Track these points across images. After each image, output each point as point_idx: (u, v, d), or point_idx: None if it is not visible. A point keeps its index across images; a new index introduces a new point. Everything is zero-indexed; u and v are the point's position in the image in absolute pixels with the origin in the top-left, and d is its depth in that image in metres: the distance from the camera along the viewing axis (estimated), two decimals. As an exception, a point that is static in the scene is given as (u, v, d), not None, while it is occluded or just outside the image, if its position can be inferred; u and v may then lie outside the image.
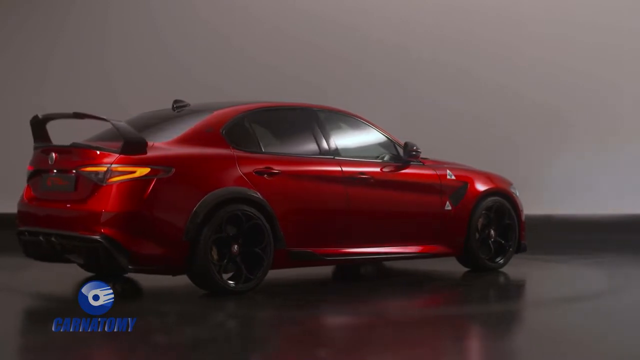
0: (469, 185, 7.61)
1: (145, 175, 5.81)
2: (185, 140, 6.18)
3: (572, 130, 11.55)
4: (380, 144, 7.37)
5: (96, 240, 5.75)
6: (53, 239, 5.97)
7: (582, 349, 4.68)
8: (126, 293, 6.50)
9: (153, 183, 5.82)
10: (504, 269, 7.79)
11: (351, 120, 7.32)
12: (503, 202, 7.78)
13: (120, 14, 12.54)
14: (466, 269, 7.80)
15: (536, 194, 11.28)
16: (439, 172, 7.51)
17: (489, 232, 7.67)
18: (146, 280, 6.81)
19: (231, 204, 6.04)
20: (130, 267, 5.81)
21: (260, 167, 6.32)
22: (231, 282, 6.05)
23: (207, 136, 6.27)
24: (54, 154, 6.17)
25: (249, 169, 6.25)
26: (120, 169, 5.82)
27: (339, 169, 6.81)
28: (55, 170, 6.21)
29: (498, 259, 7.73)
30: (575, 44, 11.62)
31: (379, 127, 7.43)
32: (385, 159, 7.27)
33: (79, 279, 6.61)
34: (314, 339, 4.95)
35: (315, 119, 6.96)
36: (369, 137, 7.37)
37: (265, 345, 4.77)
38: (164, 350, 4.51)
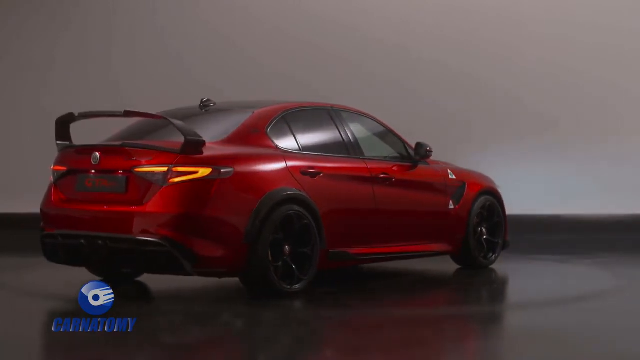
0: (466, 184, 7.82)
1: (208, 176, 5.69)
2: (234, 139, 6.09)
3: (574, 130, 11.53)
4: (392, 144, 7.51)
5: (158, 243, 5.58)
6: (100, 242, 5.76)
7: (588, 348, 4.68)
8: (132, 294, 6.48)
9: (216, 184, 5.71)
10: (509, 269, 7.93)
11: (366, 120, 7.42)
12: (494, 200, 8.06)
13: (122, 15, 12.54)
14: (458, 267, 7.95)
15: (539, 194, 11.29)
16: (442, 172, 7.71)
17: (481, 230, 7.89)
18: (152, 282, 6.83)
19: (285, 204, 5.99)
20: (193, 270, 5.67)
21: (304, 167, 6.33)
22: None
23: (255, 136, 6.22)
24: (98, 154, 5.92)
25: (295, 168, 6.24)
26: (182, 169, 5.67)
27: (366, 168, 6.91)
28: (94, 171, 5.97)
29: (490, 256, 7.97)
30: (575, 45, 11.59)
31: (389, 126, 7.55)
32: (395, 158, 7.38)
33: (81, 280, 6.60)
34: (320, 339, 4.95)
35: (339, 119, 7.03)
36: (382, 136, 7.51)
37: (270, 345, 4.77)
38: (170, 350, 4.52)
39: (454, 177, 7.77)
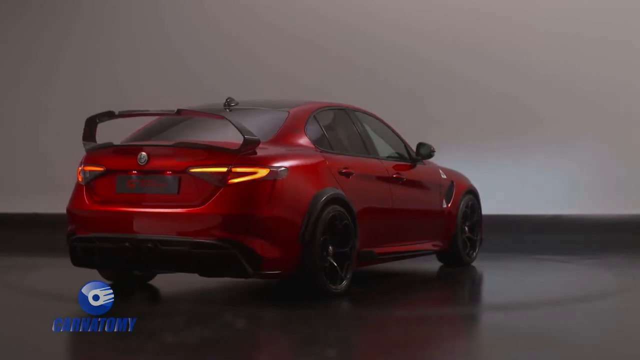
0: (454, 184, 7.97)
1: (266, 176, 5.63)
2: (279, 139, 6.03)
3: (575, 128, 11.51)
4: (394, 143, 7.58)
5: (220, 246, 5.48)
6: (149, 245, 5.59)
7: (592, 349, 4.66)
8: (133, 295, 6.47)
9: (274, 184, 5.65)
10: (510, 268, 8.14)
11: (373, 119, 7.46)
12: (474, 199, 8.27)
13: (126, 16, 12.55)
14: (439, 265, 8.12)
15: (544, 194, 11.27)
16: (436, 172, 7.90)
17: (464, 228, 8.09)
18: (157, 281, 6.82)
19: (331, 204, 5.95)
20: (253, 272, 5.56)
21: (340, 166, 6.32)
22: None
23: (296, 135, 6.18)
24: (145, 154, 5.72)
25: (334, 168, 6.24)
26: (241, 169, 5.60)
27: (384, 168, 6.98)
28: (136, 171, 5.77)
29: (471, 253, 8.20)
30: (578, 44, 11.54)
31: (392, 127, 7.63)
32: (398, 158, 7.44)
33: (82, 281, 6.58)
34: (320, 339, 4.95)
35: (355, 119, 7.06)
36: (386, 136, 7.56)
37: (273, 345, 4.77)
38: (170, 350, 4.51)
39: (445, 176, 7.95)
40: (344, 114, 7.01)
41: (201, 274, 5.87)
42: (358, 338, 5.05)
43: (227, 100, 6.49)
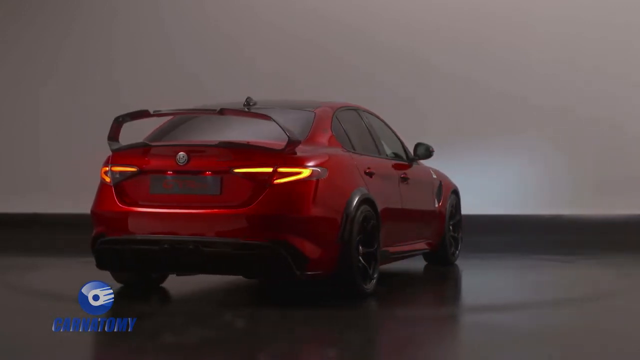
0: (442, 184, 8.06)
1: (309, 177, 5.60)
2: (312, 140, 5.98)
3: (575, 128, 11.50)
4: (392, 143, 7.63)
5: (269, 247, 5.40)
6: (190, 246, 5.48)
7: (595, 349, 4.67)
8: (133, 295, 6.45)
9: (317, 184, 5.63)
10: (511, 267, 8.25)
11: (376, 120, 7.48)
12: (457, 199, 8.43)
13: (126, 16, 12.54)
14: (425, 264, 8.23)
15: (544, 194, 11.27)
16: (429, 172, 8.02)
17: (450, 227, 8.23)
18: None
19: (363, 204, 5.95)
20: (300, 273, 5.51)
21: (364, 167, 6.33)
22: None
23: (325, 136, 6.16)
24: (184, 154, 5.60)
25: (360, 168, 6.25)
26: (286, 170, 5.55)
27: (394, 169, 7.05)
28: (171, 172, 5.65)
29: (455, 252, 8.35)
30: (580, 42, 11.54)
31: (390, 127, 7.69)
32: (396, 158, 7.46)
33: (82, 280, 6.58)
34: (320, 339, 4.95)
35: (366, 119, 7.09)
36: (386, 136, 7.59)
37: (273, 345, 4.76)
38: (170, 350, 4.51)
39: (435, 176, 8.04)
40: (356, 114, 7.01)
41: (246, 276, 5.85)
42: (359, 338, 5.04)
43: (246, 99, 6.39)
